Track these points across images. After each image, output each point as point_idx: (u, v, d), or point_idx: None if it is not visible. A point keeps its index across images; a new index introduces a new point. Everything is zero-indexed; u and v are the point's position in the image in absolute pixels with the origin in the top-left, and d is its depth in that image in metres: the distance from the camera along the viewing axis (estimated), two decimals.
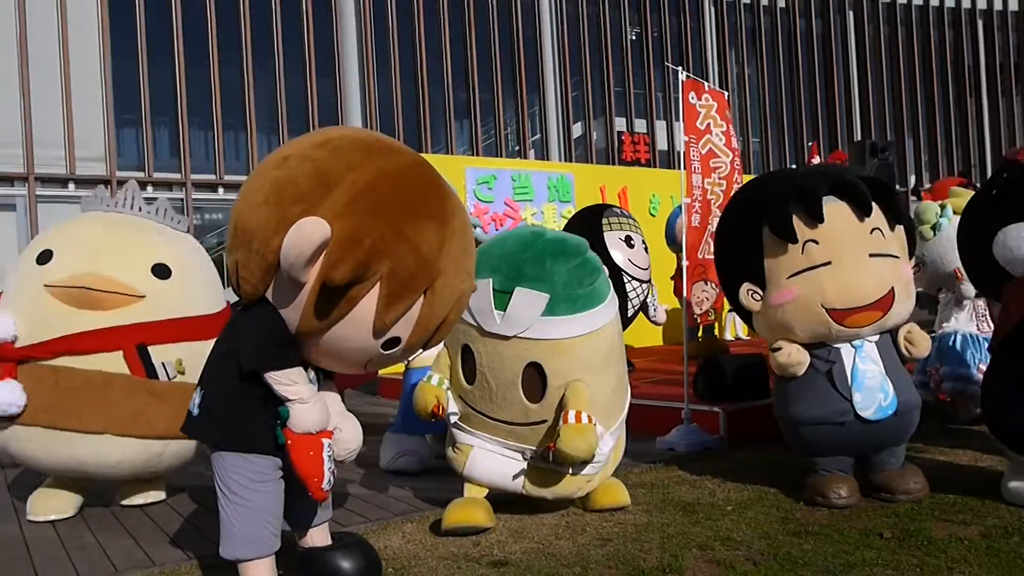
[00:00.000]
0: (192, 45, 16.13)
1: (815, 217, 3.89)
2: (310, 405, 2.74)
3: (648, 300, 7.76)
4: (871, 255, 3.93)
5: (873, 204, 3.96)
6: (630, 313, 7.60)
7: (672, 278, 9.15)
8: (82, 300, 4.09)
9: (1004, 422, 3.87)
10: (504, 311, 3.64)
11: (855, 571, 3.16)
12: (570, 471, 3.85)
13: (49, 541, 4.01)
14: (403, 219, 2.59)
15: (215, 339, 4.27)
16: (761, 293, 4.09)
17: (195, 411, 2.90)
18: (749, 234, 4.09)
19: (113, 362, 4.12)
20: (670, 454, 5.37)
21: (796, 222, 3.92)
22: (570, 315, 3.68)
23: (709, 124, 5.79)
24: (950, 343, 5.58)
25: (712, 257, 5.84)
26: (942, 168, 27.33)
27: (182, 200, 15.96)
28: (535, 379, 3.71)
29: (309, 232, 2.48)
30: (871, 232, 3.94)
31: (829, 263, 3.90)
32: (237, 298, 2.99)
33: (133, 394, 4.13)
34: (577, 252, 3.77)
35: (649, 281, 7.79)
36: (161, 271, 4.29)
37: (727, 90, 22.12)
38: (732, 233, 4.32)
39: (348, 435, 2.96)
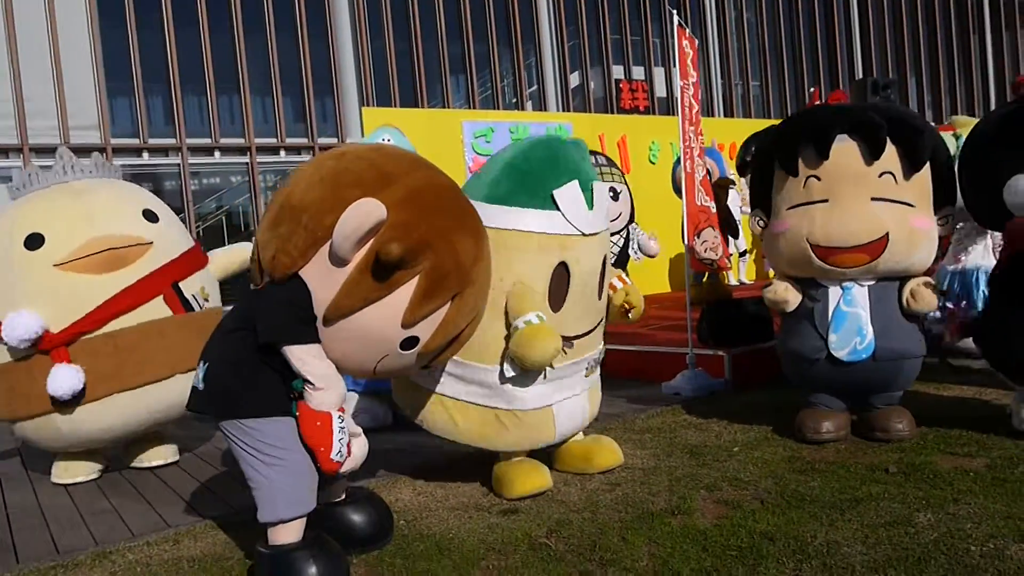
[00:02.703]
0: (181, 9, 15.84)
1: (820, 154, 3.88)
2: (325, 390, 2.76)
3: (629, 248, 7.48)
4: (874, 199, 3.85)
5: (891, 147, 3.83)
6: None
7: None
8: (109, 262, 4.16)
9: (1004, 354, 3.86)
10: (592, 208, 3.54)
11: (862, 505, 3.18)
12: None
13: (65, 508, 4.06)
14: (448, 225, 2.81)
15: (208, 266, 4.54)
16: (766, 220, 4.21)
17: (200, 385, 2.89)
18: (765, 163, 4.19)
19: (154, 310, 4.23)
20: (676, 398, 5.40)
21: (801, 157, 3.93)
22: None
23: (686, 72, 5.72)
24: (973, 279, 5.44)
25: (709, 204, 5.83)
26: (945, 106, 26.95)
27: (179, 165, 15.84)
28: (600, 275, 3.68)
29: (370, 209, 2.60)
30: (879, 176, 3.84)
31: (826, 200, 3.90)
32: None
33: (184, 331, 4.25)
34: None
35: (626, 228, 7.46)
36: (150, 215, 4.45)
37: (726, 34, 21.48)
38: (756, 160, 4.39)
39: (356, 451, 2.99)
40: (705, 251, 6.19)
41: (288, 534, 2.82)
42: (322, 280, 2.70)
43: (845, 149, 3.87)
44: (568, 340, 3.57)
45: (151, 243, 4.31)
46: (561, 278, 3.50)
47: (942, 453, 3.76)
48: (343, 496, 3.20)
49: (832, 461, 3.78)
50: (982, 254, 5.45)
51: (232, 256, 4.92)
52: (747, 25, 23.89)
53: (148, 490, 4.26)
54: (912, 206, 3.90)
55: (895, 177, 3.86)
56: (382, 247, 2.61)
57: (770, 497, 3.37)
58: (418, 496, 3.75)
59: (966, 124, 5.39)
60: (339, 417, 2.79)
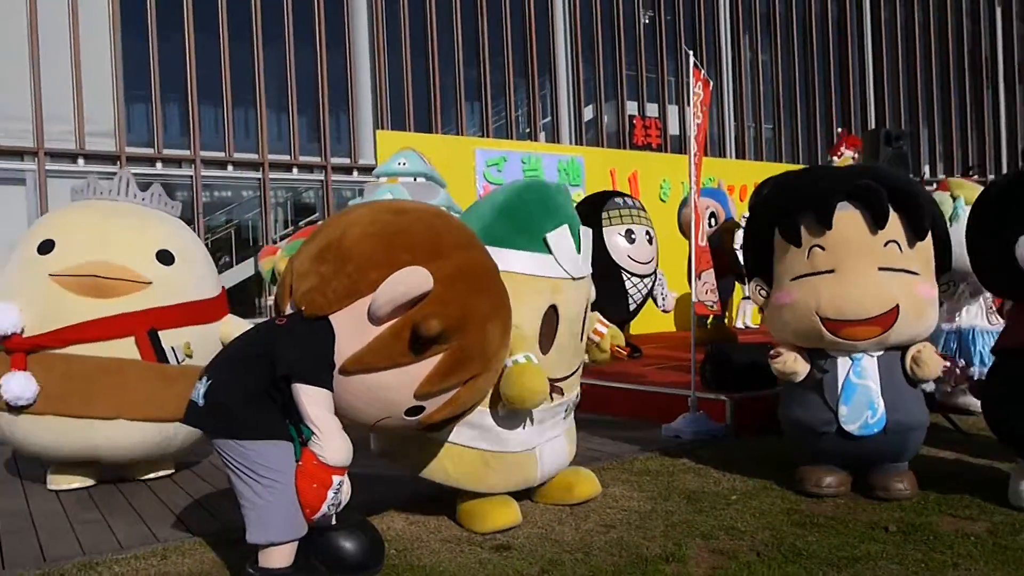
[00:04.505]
0: (202, 21, 16.04)
1: (823, 223, 3.79)
2: (336, 440, 2.73)
3: (656, 291, 7.62)
4: (880, 268, 3.78)
5: (894, 215, 3.78)
6: (631, 308, 7.49)
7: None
8: (92, 288, 4.14)
9: (1008, 425, 3.83)
10: (580, 252, 3.69)
11: (859, 564, 3.14)
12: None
13: (55, 516, 4.03)
14: (485, 311, 2.89)
15: (215, 323, 4.36)
16: (768, 290, 4.10)
17: (200, 401, 2.87)
18: (764, 230, 4.09)
19: (124, 348, 4.17)
20: (675, 441, 5.35)
21: (804, 226, 3.85)
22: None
23: (698, 113, 5.74)
24: (970, 338, 5.44)
25: (705, 245, 5.84)
26: (956, 159, 27.09)
27: (191, 177, 15.93)
28: (583, 319, 3.85)
29: (419, 281, 2.68)
30: (885, 245, 3.78)
31: (832, 271, 3.81)
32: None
33: (145, 379, 4.19)
34: None
35: (654, 272, 7.65)
36: (165, 257, 4.38)
37: (740, 76, 21.66)
38: (753, 226, 4.32)
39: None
40: (706, 293, 6.16)
41: (279, 558, 2.80)
42: (352, 331, 2.72)
43: (848, 217, 3.79)
44: (555, 383, 3.65)
45: (149, 283, 4.26)
46: (551, 321, 3.62)
47: (943, 515, 3.71)
48: (334, 522, 3.17)
49: (831, 516, 3.74)
50: (976, 314, 5.44)
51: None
52: (762, 68, 24.10)
53: (139, 502, 4.23)
54: (917, 274, 3.85)
55: (900, 246, 3.81)
56: (423, 320, 2.66)
57: (766, 550, 3.33)
58: (411, 526, 3.72)
59: (961, 186, 5.40)
60: (339, 483, 2.77)
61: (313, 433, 2.72)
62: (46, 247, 4.23)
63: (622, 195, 8.10)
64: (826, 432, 3.92)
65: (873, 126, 24.38)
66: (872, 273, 3.78)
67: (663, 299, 7.58)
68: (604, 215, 7.53)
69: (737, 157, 22.33)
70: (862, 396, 3.85)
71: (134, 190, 4.61)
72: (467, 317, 2.78)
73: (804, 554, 3.25)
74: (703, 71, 5.85)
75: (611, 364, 4.36)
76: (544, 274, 3.55)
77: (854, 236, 3.79)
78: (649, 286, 7.54)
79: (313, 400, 2.71)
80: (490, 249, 3.38)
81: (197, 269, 4.60)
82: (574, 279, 3.64)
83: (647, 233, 7.53)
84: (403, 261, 2.72)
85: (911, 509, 3.79)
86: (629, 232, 7.43)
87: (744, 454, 4.90)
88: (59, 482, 4.46)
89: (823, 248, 3.82)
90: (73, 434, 4.18)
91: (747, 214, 9.18)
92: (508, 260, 3.44)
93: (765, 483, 4.29)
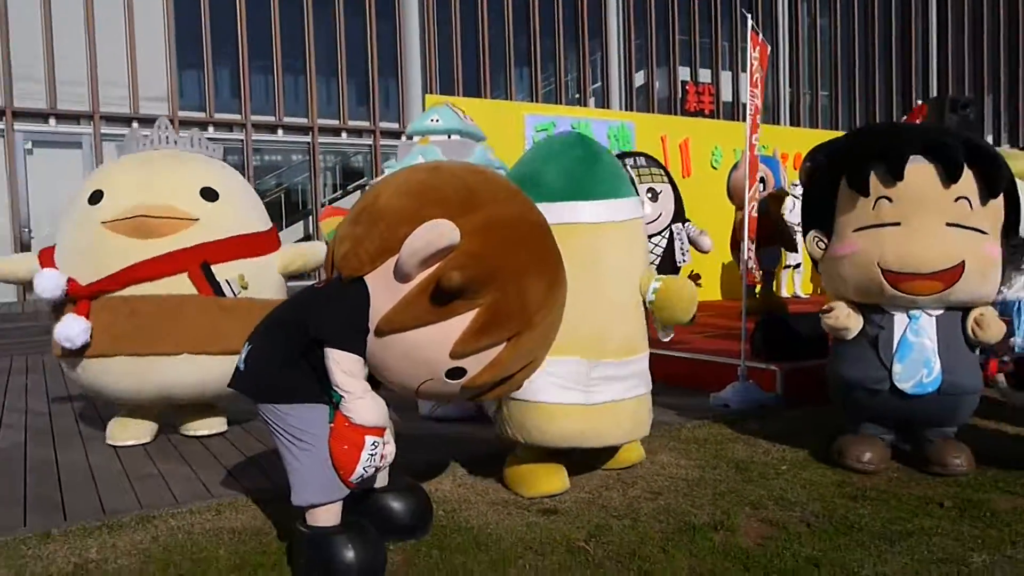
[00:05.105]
0: None
1: (893, 175, 3.68)
2: (364, 400, 2.74)
3: (676, 245, 7.21)
4: (948, 224, 3.67)
5: (967, 171, 3.66)
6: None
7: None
8: (139, 229, 4.25)
9: None
10: None
11: (913, 539, 3.08)
12: None
13: (113, 470, 4.15)
14: (523, 265, 2.71)
15: (268, 256, 4.47)
16: (826, 242, 4.01)
17: (242, 366, 2.93)
18: (829, 181, 3.97)
19: (181, 285, 4.28)
20: (724, 411, 5.30)
21: (873, 177, 3.75)
22: None
23: (757, 79, 5.58)
24: (1015, 309, 5.27)
25: (756, 214, 5.70)
26: (1022, 128, 26.08)
27: (242, 141, 16.11)
28: None
29: (442, 231, 2.55)
30: (955, 200, 3.66)
31: (898, 224, 3.71)
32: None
33: (205, 312, 4.29)
34: None
35: (668, 228, 7.04)
36: (209, 194, 4.46)
37: (797, 41, 20.93)
38: (816, 178, 4.19)
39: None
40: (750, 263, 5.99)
41: (325, 517, 2.84)
42: (384, 290, 2.67)
43: (920, 171, 3.68)
44: None
45: (196, 220, 4.35)
46: None
47: (1001, 492, 3.62)
48: (385, 483, 3.20)
49: (884, 489, 3.67)
50: (1019, 285, 5.23)
51: (299, 255, 4.80)
52: (820, 32, 23.40)
53: (194, 459, 4.33)
54: (985, 234, 3.73)
55: (970, 203, 3.69)
56: (445, 273, 2.55)
57: (817, 521, 3.29)
58: (459, 488, 3.75)
59: (1012, 157, 5.17)
60: (372, 443, 2.76)
61: (342, 396, 2.74)
62: (96, 198, 4.38)
63: (629, 155, 7.54)
64: (878, 390, 3.85)
65: (935, 94, 23.56)
66: (939, 228, 3.67)
67: (683, 253, 7.20)
68: None
69: (792, 124, 21.79)
70: (918, 354, 3.77)
71: (173, 137, 4.74)
72: (499, 271, 2.63)
73: (856, 527, 3.21)
74: (760, 35, 5.69)
75: None
76: (641, 214, 3.83)
77: (924, 189, 3.68)
78: (663, 244, 7.19)
79: (339, 365, 2.71)
80: (606, 203, 3.58)
81: (243, 205, 4.69)
82: None
83: (649, 191, 7.18)
84: (433, 215, 2.61)
85: (967, 485, 3.70)
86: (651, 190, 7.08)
87: (794, 424, 4.84)
88: (117, 437, 4.60)
89: (891, 200, 3.72)
90: (143, 374, 4.30)
91: (796, 182, 8.95)
92: (627, 208, 3.67)
93: (816, 454, 4.23)
